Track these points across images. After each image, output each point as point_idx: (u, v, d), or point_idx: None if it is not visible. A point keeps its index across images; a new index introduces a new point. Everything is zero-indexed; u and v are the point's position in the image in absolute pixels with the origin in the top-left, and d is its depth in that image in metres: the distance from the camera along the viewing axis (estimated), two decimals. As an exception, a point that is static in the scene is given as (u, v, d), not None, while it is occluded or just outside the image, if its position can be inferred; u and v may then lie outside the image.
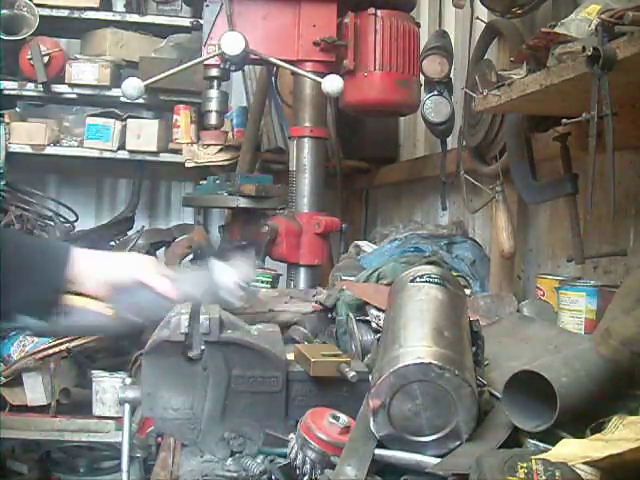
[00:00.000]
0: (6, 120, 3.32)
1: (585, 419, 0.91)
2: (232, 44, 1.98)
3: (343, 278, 1.73)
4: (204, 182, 2.84)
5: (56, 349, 2.70)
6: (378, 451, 0.90)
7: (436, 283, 1.07)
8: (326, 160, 2.47)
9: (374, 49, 2.11)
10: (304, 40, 2.13)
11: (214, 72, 2.10)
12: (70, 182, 3.91)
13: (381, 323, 1.27)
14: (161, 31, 3.51)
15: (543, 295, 1.62)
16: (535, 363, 0.94)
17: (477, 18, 2.13)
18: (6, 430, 2.58)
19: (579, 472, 0.76)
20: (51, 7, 3.32)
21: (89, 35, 3.49)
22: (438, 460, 0.88)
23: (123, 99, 3.18)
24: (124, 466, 1.12)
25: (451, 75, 2.11)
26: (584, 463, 0.76)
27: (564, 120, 1.24)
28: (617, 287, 1.17)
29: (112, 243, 3.21)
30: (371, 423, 0.90)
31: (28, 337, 2.79)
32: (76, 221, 3.33)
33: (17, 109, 3.47)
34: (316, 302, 1.62)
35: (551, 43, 1.26)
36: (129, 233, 3.24)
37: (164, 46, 3.44)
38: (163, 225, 3.79)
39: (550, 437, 0.88)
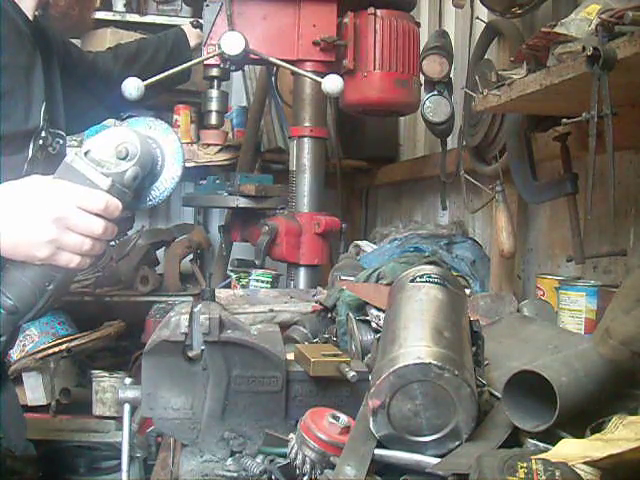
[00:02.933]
0: (6, 120, 3.32)
1: (585, 419, 0.91)
2: (232, 44, 1.98)
3: (342, 277, 1.73)
4: (204, 182, 2.84)
5: (56, 349, 2.71)
6: (378, 451, 0.90)
7: (436, 283, 1.07)
8: (326, 160, 2.46)
9: (374, 49, 2.11)
10: (304, 40, 2.13)
11: (214, 72, 2.10)
12: (70, 182, 3.90)
13: (381, 323, 1.27)
14: (161, 31, 3.50)
15: (543, 295, 1.62)
16: (535, 363, 0.94)
17: (477, 18, 2.13)
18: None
19: (579, 472, 0.76)
20: (51, 7, 3.31)
21: (89, 35, 3.48)
22: (438, 460, 0.88)
23: (123, 99, 3.17)
24: (124, 466, 1.12)
25: (451, 75, 2.11)
26: (584, 463, 0.76)
27: (564, 120, 1.24)
28: (617, 287, 1.17)
29: (112, 243, 3.21)
30: (371, 423, 0.90)
31: (28, 337, 2.79)
32: (76, 221, 3.32)
33: (17, 109, 3.47)
34: (316, 302, 1.62)
35: (551, 43, 1.26)
36: (129, 233, 3.24)
37: (164, 46, 3.44)
38: (163, 225, 3.79)
39: (550, 437, 0.88)
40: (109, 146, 1.10)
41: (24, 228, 1.06)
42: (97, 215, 1.08)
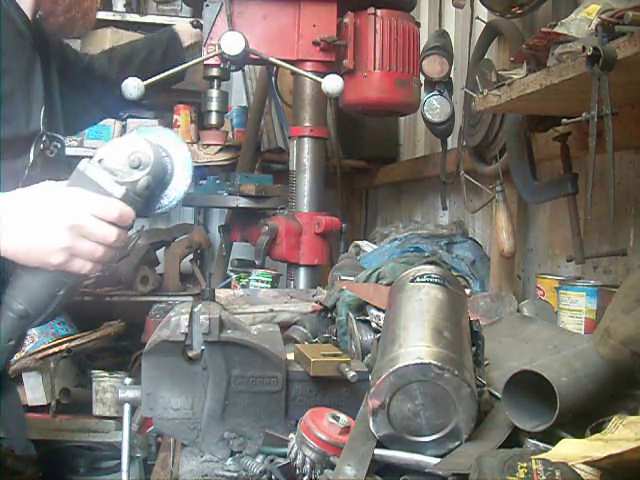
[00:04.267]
0: (6, 120, 3.31)
1: (585, 419, 0.91)
2: (232, 44, 1.98)
3: (342, 277, 1.73)
4: (204, 182, 2.84)
5: (56, 349, 2.71)
6: (378, 451, 0.90)
7: (436, 283, 1.07)
8: (326, 160, 2.46)
9: (374, 49, 2.11)
10: (304, 40, 2.13)
11: (214, 72, 2.10)
12: (70, 182, 3.90)
13: (381, 323, 1.27)
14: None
15: (543, 295, 1.62)
16: (535, 363, 0.94)
17: (477, 18, 2.13)
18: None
19: (579, 472, 0.76)
20: (51, 7, 3.31)
21: (89, 35, 3.47)
22: (438, 460, 0.88)
23: (123, 99, 3.17)
24: (124, 466, 1.12)
25: (451, 75, 2.11)
26: (584, 463, 0.76)
27: (564, 120, 1.24)
28: (617, 287, 1.17)
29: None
30: (371, 423, 0.90)
31: (28, 337, 2.79)
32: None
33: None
34: (316, 302, 1.62)
35: (551, 43, 1.26)
36: (129, 233, 3.24)
37: (164, 46, 3.44)
38: (163, 225, 3.79)
39: (550, 437, 0.88)
40: (122, 155, 1.11)
41: (39, 235, 1.07)
42: (111, 223, 1.09)
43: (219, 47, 1.98)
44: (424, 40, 2.21)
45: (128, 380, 1.09)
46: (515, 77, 1.38)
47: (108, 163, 1.10)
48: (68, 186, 1.10)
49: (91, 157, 1.12)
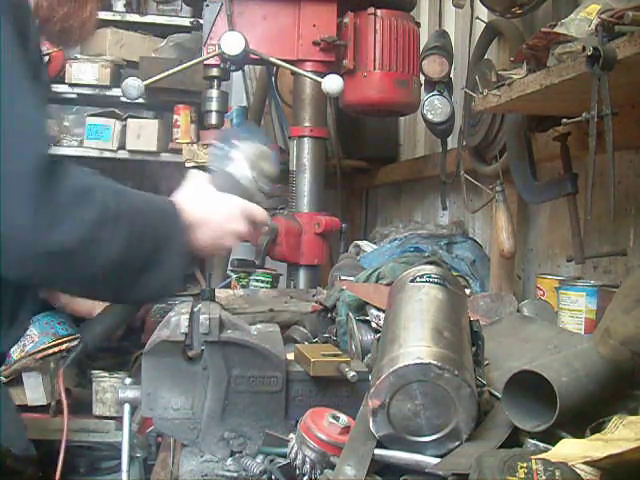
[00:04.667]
0: (6, 120, 3.31)
1: (585, 419, 0.91)
2: (232, 44, 1.98)
3: (342, 277, 1.73)
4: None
5: (56, 349, 2.70)
6: (378, 451, 0.90)
7: (436, 283, 1.07)
8: (326, 160, 2.47)
9: (374, 49, 2.11)
10: (304, 40, 2.13)
11: (214, 72, 2.10)
12: (70, 182, 3.89)
13: (381, 323, 1.27)
14: (161, 31, 3.51)
15: (543, 295, 1.62)
16: (535, 363, 0.94)
17: (477, 18, 2.13)
18: (6, 430, 2.57)
19: (579, 472, 0.76)
20: (51, 7, 3.30)
21: (89, 35, 3.48)
22: (438, 460, 0.88)
23: (123, 99, 3.17)
24: (124, 466, 1.12)
25: (451, 75, 2.11)
26: (584, 463, 0.76)
27: (564, 120, 1.24)
28: (617, 287, 1.17)
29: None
30: (371, 423, 0.90)
31: (28, 337, 2.79)
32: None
33: (17, 109, 3.45)
34: (316, 302, 1.62)
35: (551, 43, 1.26)
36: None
37: (164, 46, 3.43)
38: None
39: (550, 437, 0.88)
40: (259, 166, 1.30)
41: (220, 237, 1.25)
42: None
43: (219, 47, 1.98)
44: (424, 40, 2.21)
45: (128, 380, 1.09)
46: (515, 77, 1.38)
47: (253, 173, 1.30)
48: (222, 190, 1.27)
49: (226, 153, 1.33)
